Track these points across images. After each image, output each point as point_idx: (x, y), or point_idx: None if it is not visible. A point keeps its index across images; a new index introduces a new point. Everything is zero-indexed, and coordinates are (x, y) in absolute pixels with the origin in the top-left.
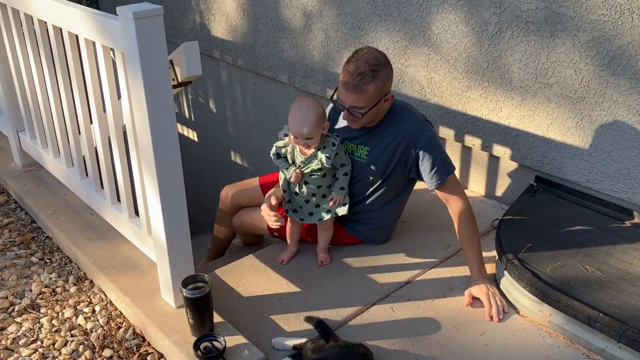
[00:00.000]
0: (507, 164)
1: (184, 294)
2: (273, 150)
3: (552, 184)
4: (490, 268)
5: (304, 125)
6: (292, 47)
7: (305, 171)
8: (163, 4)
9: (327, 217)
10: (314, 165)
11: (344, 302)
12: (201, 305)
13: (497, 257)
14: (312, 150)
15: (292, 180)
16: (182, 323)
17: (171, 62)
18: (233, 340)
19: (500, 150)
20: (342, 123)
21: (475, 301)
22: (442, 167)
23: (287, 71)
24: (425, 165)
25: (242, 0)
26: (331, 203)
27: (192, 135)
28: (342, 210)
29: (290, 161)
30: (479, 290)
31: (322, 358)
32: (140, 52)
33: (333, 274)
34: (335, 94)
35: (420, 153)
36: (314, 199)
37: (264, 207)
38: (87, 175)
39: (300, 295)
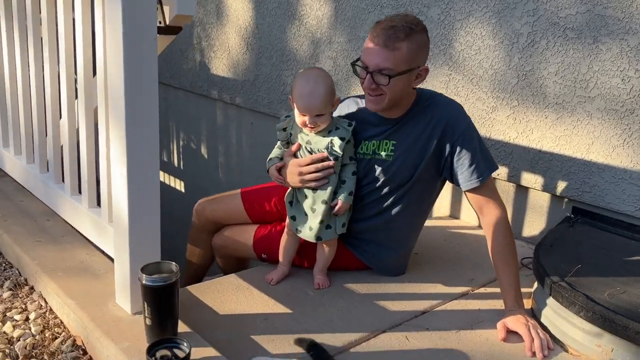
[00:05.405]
0: (538, 197)
1: (143, 282)
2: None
3: (594, 216)
4: (526, 304)
5: (314, 98)
6: None
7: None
8: None
9: (326, 236)
10: (322, 145)
11: (345, 327)
12: (163, 298)
13: (535, 286)
14: (321, 130)
15: (292, 149)
16: (137, 330)
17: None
18: (200, 352)
19: (530, 179)
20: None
21: (511, 336)
22: (483, 162)
23: (289, 106)
24: (463, 159)
25: (247, 34)
26: (337, 208)
27: (179, 185)
28: (341, 230)
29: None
30: (515, 321)
31: None
32: None
33: (332, 297)
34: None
35: (458, 144)
36: (316, 207)
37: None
38: (47, 170)
39: (290, 316)
